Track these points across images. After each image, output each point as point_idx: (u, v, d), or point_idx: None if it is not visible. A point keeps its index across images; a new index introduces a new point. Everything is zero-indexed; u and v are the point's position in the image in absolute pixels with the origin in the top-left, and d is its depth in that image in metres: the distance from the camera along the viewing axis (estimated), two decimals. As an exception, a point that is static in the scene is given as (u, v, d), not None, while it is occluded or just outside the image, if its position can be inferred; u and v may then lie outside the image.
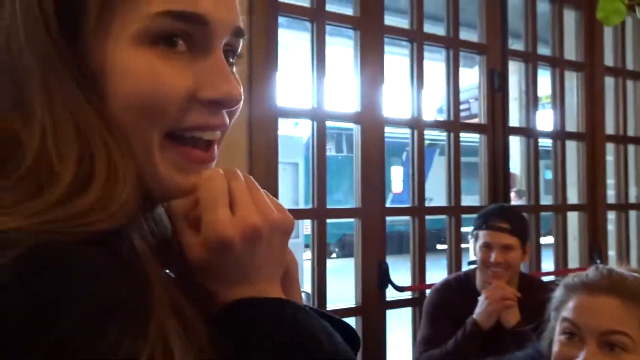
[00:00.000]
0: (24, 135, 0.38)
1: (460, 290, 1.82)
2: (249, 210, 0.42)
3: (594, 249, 2.71)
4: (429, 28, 2.27)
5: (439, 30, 2.40)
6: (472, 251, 1.88)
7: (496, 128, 2.38)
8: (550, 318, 1.01)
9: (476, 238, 1.79)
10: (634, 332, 0.89)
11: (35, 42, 0.39)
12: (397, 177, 10.94)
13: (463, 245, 2.34)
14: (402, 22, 2.34)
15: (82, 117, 0.39)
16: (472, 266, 1.88)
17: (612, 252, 2.84)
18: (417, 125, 2.18)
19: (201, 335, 0.38)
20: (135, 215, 0.40)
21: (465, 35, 2.39)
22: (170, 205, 0.45)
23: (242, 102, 0.45)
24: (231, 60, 0.46)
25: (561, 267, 2.62)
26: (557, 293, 1.01)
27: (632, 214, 2.93)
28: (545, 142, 2.67)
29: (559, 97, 2.63)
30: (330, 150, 9.88)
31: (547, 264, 2.84)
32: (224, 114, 0.45)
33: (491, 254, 1.71)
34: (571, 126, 2.70)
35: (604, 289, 0.93)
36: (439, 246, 10.73)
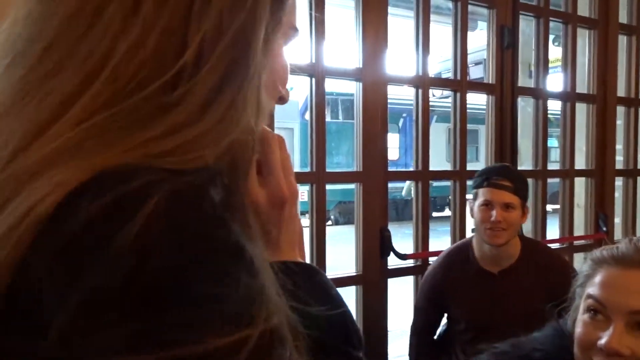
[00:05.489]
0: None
1: (455, 268, 1.75)
2: (293, 179, 0.47)
3: (600, 216, 2.62)
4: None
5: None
6: (469, 212, 1.78)
7: (505, 88, 2.24)
8: (575, 296, 0.90)
9: (475, 197, 1.68)
10: None
11: None
12: (393, 145, 10.81)
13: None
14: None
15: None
16: (474, 234, 1.79)
17: (617, 220, 2.76)
18: (422, 83, 2.05)
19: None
20: None
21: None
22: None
23: None
24: None
25: (567, 235, 2.54)
26: (583, 268, 0.90)
27: (640, 180, 2.83)
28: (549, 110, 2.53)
29: (570, 56, 2.49)
30: (326, 117, 9.61)
31: (552, 231, 2.75)
32: None
33: (492, 212, 1.61)
34: (581, 88, 2.57)
35: (636, 264, 0.82)
36: (435, 213, 10.71)
